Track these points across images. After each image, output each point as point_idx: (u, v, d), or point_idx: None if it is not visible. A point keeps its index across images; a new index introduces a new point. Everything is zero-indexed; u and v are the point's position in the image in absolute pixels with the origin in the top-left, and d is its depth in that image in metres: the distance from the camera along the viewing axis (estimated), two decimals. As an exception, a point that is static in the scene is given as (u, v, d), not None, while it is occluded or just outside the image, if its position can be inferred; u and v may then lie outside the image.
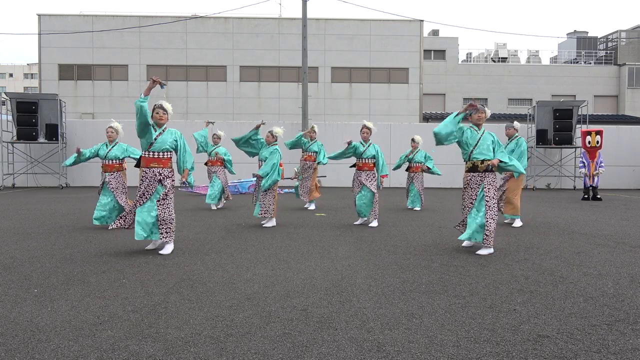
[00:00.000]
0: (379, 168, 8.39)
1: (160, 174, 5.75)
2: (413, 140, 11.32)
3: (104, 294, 4.13)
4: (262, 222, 8.28)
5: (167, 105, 5.82)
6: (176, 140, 5.87)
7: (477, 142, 5.96)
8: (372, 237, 7.21)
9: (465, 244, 6.37)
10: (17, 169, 17.94)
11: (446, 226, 8.28)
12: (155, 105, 5.79)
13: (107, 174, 7.98)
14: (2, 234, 7.32)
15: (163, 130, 5.78)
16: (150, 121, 5.65)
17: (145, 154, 5.74)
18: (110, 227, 5.99)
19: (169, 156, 5.82)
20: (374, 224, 8.28)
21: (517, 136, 8.51)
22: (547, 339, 3.18)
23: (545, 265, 5.30)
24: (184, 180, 6.10)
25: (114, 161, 8.01)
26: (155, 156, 5.74)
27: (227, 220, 8.97)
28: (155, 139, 5.71)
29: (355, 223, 8.55)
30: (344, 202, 12.30)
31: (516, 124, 8.67)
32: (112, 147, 8.05)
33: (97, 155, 8.04)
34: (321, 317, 3.59)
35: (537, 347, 3.05)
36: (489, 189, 5.94)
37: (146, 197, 5.74)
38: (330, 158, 9.02)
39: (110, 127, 8.06)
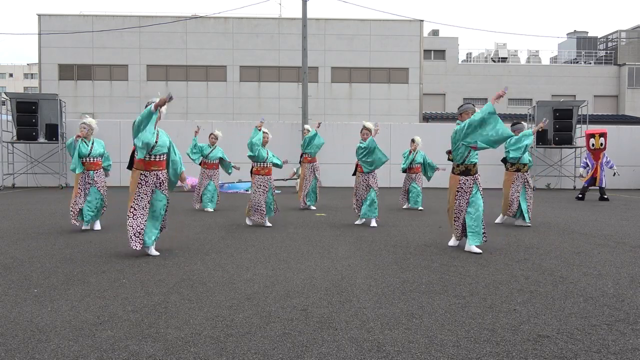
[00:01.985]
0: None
1: (161, 180, 5.70)
2: (413, 140, 11.29)
3: (104, 294, 4.13)
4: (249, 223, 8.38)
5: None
6: (169, 141, 5.81)
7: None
8: (372, 237, 7.20)
9: (453, 242, 6.38)
10: (17, 169, 17.93)
11: (446, 226, 8.28)
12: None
13: (91, 172, 7.60)
14: (2, 234, 7.32)
15: (158, 131, 5.69)
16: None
17: (145, 157, 5.57)
18: (136, 247, 5.61)
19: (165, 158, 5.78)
20: (374, 223, 8.29)
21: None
22: (547, 339, 3.18)
23: (545, 265, 5.30)
24: (183, 183, 6.01)
25: (98, 158, 7.70)
26: (159, 159, 5.68)
27: (227, 220, 8.97)
28: (157, 142, 5.60)
29: (355, 223, 8.52)
30: (344, 202, 12.30)
31: (524, 123, 8.69)
32: (92, 144, 7.66)
33: (79, 156, 7.54)
34: (321, 317, 3.59)
35: (537, 347, 3.05)
36: (480, 187, 6.02)
37: (148, 204, 5.63)
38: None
39: (84, 123, 7.55)
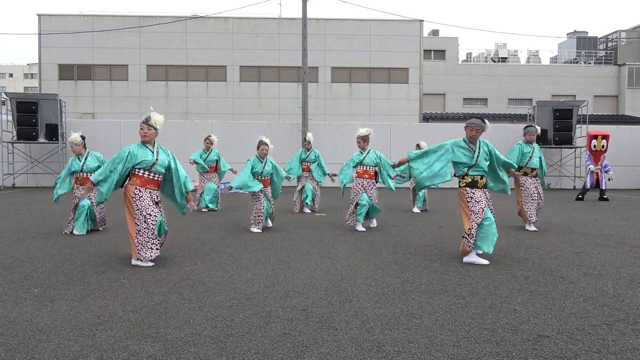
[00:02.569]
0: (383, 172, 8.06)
1: (156, 197, 5.45)
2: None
3: (104, 294, 4.14)
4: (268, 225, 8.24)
5: (157, 118, 5.39)
6: (170, 161, 5.52)
7: (476, 160, 5.51)
8: (372, 237, 7.20)
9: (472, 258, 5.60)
10: (17, 169, 17.93)
11: (446, 226, 8.28)
12: (142, 120, 5.39)
13: (83, 187, 7.33)
14: (2, 234, 7.32)
15: (158, 148, 5.45)
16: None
17: (144, 174, 5.36)
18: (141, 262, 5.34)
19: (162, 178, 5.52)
20: (374, 223, 8.26)
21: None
22: (547, 339, 3.18)
23: (545, 265, 5.30)
24: (190, 204, 5.68)
25: (91, 174, 7.39)
26: (156, 178, 5.43)
27: (227, 220, 8.97)
28: (157, 160, 5.37)
29: (358, 229, 7.89)
30: (344, 202, 12.29)
31: (537, 127, 8.37)
32: (85, 158, 7.51)
33: (72, 171, 7.50)
34: (321, 317, 3.59)
35: (537, 347, 3.05)
36: (490, 204, 5.63)
37: (154, 217, 5.31)
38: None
39: (70, 142, 7.39)
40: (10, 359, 2.87)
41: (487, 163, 5.62)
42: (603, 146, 13.69)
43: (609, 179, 13.86)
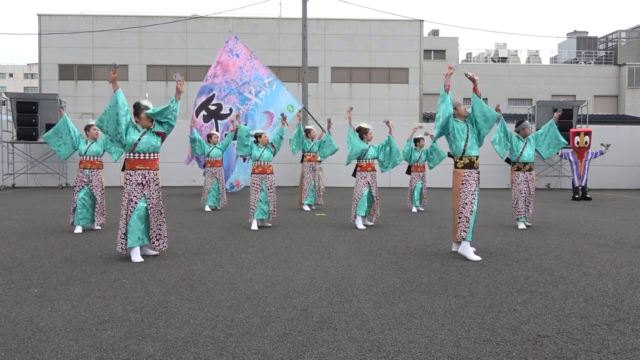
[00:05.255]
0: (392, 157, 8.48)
1: (144, 177, 5.52)
2: (419, 140, 11.31)
3: (104, 294, 4.14)
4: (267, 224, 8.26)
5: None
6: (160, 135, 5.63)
7: (467, 135, 5.83)
8: (372, 237, 7.20)
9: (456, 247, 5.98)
10: (17, 169, 17.93)
11: (446, 226, 8.28)
12: (142, 105, 5.54)
13: (87, 170, 7.57)
14: (2, 234, 7.32)
15: (146, 131, 5.54)
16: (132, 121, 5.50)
17: (130, 156, 5.49)
18: (119, 250, 5.52)
19: (156, 157, 5.60)
20: (371, 222, 8.36)
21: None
22: (547, 339, 3.18)
23: (545, 265, 5.30)
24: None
25: (95, 157, 7.64)
26: (143, 157, 5.50)
27: (227, 220, 8.97)
28: (140, 139, 5.46)
29: (359, 227, 8.00)
30: (344, 202, 12.29)
31: (527, 123, 8.65)
32: (92, 142, 7.66)
33: (75, 148, 7.58)
34: (321, 317, 3.59)
35: (537, 347, 3.05)
36: (478, 185, 5.92)
37: (134, 203, 5.46)
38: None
39: (96, 124, 7.70)
40: (10, 359, 2.87)
41: (477, 134, 5.93)
42: (586, 142, 13.92)
43: (607, 147, 13.83)
